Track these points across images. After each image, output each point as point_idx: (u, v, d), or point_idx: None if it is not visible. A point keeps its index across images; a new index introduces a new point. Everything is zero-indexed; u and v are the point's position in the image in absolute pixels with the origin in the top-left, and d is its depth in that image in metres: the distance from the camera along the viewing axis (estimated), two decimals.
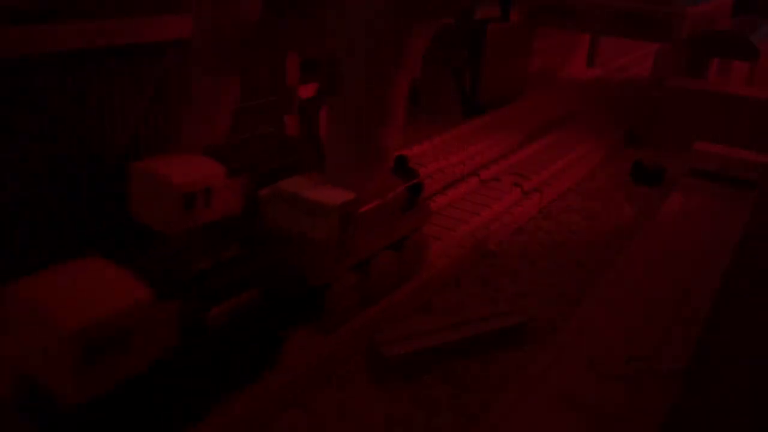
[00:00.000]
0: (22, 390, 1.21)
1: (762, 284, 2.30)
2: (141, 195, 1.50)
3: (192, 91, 1.65)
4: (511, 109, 3.94)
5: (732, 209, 2.66)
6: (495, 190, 2.75)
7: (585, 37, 5.20)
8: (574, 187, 3.12)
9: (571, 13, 3.96)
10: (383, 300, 1.87)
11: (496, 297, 2.11)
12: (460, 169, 2.92)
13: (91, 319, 1.10)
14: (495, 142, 3.28)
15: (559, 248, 2.50)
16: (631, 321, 1.83)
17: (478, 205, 2.59)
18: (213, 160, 1.53)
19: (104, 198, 1.80)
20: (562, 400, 1.51)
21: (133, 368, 1.19)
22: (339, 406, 1.59)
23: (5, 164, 1.61)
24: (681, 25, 3.67)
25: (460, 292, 2.13)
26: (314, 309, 1.64)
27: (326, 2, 1.58)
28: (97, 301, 1.14)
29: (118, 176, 1.60)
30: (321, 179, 1.70)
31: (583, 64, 5.32)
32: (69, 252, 1.30)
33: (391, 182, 1.83)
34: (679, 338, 1.76)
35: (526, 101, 4.17)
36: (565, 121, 3.86)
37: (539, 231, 2.64)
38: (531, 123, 3.69)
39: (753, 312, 2.13)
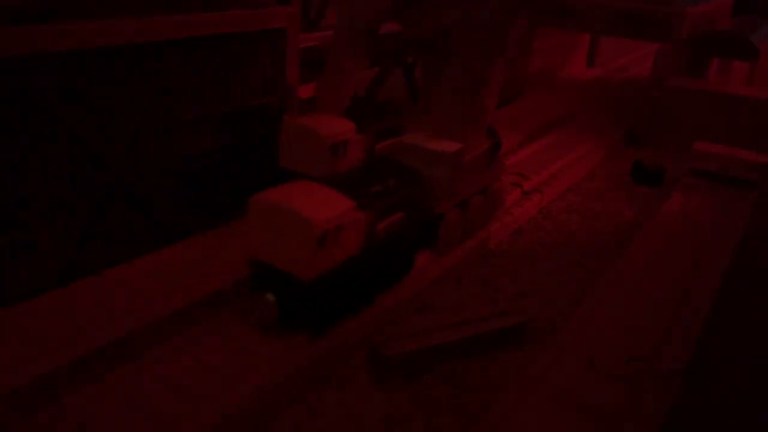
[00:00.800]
0: (261, 273, 1.68)
1: (762, 284, 2.30)
2: (292, 145, 1.88)
3: (330, 66, 2.06)
4: (511, 109, 3.94)
5: (732, 209, 2.66)
6: None
7: (585, 37, 5.20)
8: (574, 187, 3.12)
9: (571, 13, 3.96)
10: (385, 300, 1.89)
11: (496, 297, 2.11)
12: None
13: (324, 216, 1.56)
14: None
15: (559, 248, 2.50)
16: (631, 321, 1.83)
17: None
18: (344, 118, 1.93)
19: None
20: (562, 400, 1.51)
21: (339, 258, 1.64)
22: (339, 405, 1.59)
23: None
24: (681, 25, 3.66)
25: (461, 291, 2.13)
26: (432, 235, 2.10)
27: None
28: (322, 204, 1.60)
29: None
30: (431, 135, 2.15)
31: (583, 64, 5.32)
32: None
33: (483, 139, 2.32)
34: (679, 338, 1.76)
35: (526, 101, 4.18)
36: (565, 121, 3.86)
37: (539, 231, 2.64)
38: (531, 123, 3.70)
39: (753, 312, 2.13)
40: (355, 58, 2.05)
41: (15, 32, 1.55)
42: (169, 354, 1.64)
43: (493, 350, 1.82)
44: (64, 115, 1.70)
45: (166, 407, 1.45)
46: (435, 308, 2.03)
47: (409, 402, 1.62)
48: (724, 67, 4.62)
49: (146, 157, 1.94)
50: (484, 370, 1.76)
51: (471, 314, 1.87)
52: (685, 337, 1.76)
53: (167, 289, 1.79)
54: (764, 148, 3.00)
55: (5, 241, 1.66)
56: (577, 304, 2.03)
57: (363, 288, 1.81)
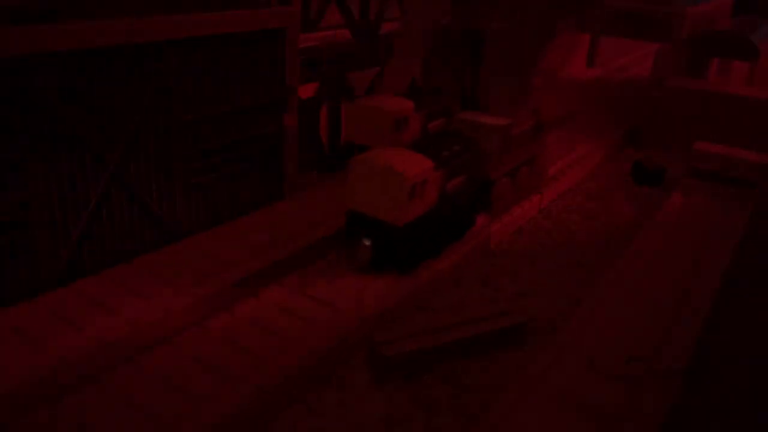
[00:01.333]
0: (358, 222, 2.03)
1: (762, 284, 2.30)
2: (359, 122, 2.31)
3: (397, 55, 2.55)
4: None
5: (732, 209, 2.66)
6: None
7: (585, 37, 5.20)
8: (574, 187, 3.12)
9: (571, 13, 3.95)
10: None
11: (496, 297, 2.11)
12: None
13: (414, 171, 1.92)
14: None
15: (559, 248, 2.50)
16: (631, 321, 1.83)
17: None
18: (404, 99, 2.35)
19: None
20: (562, 400, 1.51)
21: (422, 209, 2.01)
22: (339, 405, 1.59)
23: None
24: (681, 25, 3.67)
25: (461, 291, 2.13)
26: (487, 199, 2.44)
27: None
28: (410, 163, 1.95)
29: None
30: (483, 112, 2.56)
31: (583, 64, 5.31)
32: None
33: (528, 118, 2.67)
34: (679, 338, 1.76)
35: None
36: (565, 121, 3.86)
37: (539, 231, 2.64)
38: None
39: (753, 312, 2.13)
40: (418, 50, 2.58)
41: (15, 32, 1.56)
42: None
43: (493, 350, 1.82)
44: (64, 115, 1.70)
45: (166, 407, 1.45)
46: (435, 308, 2.03)
47: (409, 402, 1.62)
48: (724, 67, 4.61)
49: (146, 157, 1.94)
50: (484, 370, 1.76)
51: (471, 314, 1.86)
52: (685, 337, 1.76)
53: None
54: (764, 148, 3.00)
55: (5, 241, 1.66)
56: (577, 304, 2.03)
57: (437, 237, 2.16)
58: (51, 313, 1.67)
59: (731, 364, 1.85)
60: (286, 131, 2.39)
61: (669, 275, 2.09)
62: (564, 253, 2.46)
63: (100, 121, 1.79)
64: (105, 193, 1.85)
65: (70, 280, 1.81)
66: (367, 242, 2.00)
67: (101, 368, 1.56)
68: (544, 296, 2.14)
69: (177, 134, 2.01)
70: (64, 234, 1.78)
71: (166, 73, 1.93)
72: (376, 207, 1.96)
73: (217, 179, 2.19)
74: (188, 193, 2.10)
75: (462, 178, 2.20)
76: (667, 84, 3.76)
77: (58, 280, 1.79)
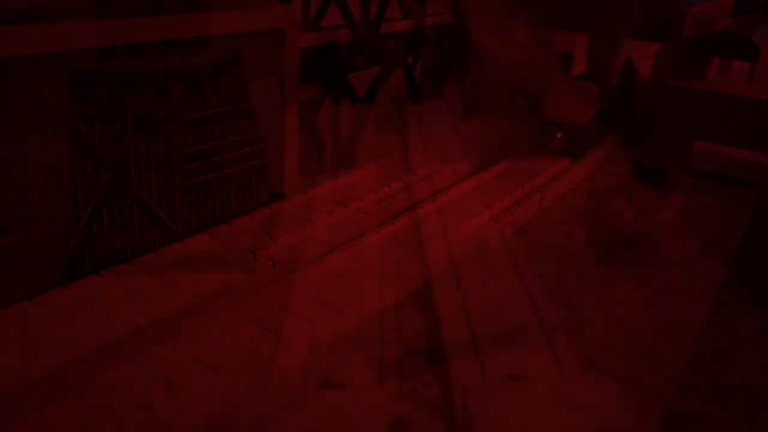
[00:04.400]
0: (533, 104, 3.20)
1: (762, 284, 2.30)
2: (523, 69, 3.29)
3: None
4: None
5: (732, 209, 2.66)
6: (495, 190, 2.75)
7: (585, 37, 5.19)
8: (574, 187, 3.12)
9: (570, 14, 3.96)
10: None
11: (496, 297, 2.11)
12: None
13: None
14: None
15: (559, 248, 2.50)
16: (631, 321, 1.83)
17: (478, 205, 2.59)
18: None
19: None
20: (562, 400, 1.51)
21: (591, 114, 3.22)
22: (339, 405, 1.59)
23: None
24: (681, 25, 3.67)
25: (460, 292, 2.13)
26: (613, 119, 3.55)
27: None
28: (581, 82, 3.25)
29: None
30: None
31: (584, 63, 5.31)
32: None
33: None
34: (679, 338, 1.76)
35: None
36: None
37: (539, 231, 2.64)
38: None
39: (753, 312, 2.13)
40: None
41: (14, 32, 1.56)
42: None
43: (493, 350, 1.82)
44: (64, 115, 1.70)
45: (166, 407, 1.45)
46: (435, 308, 2.02)
47: (409, 402, 1.62)
48: (724, 67, 4.61)
49: (146, 157, 1.95)
50: (484, 370, 1.76)
51: (470, 313, 1.86)
52: (685, 337, 1.77)
53: None
54: (764, 148, 3.00)
55: (5, 241, 1.66)
56: (577, 304, 2.03)
57: (595, 135, 3.37)
58: (51, 313, 1.67)
59: (731, 363, 1.85)
60: (286, 131, 2.39)
61: (669, 275, 2.10)
62: (564, 253, 2.46)
63: (101, 121, 1.79)
64: (105, 193, 1.85)
65: (70, 280, 1.81)
66: (559, 135, 3.17)
67: (101, 368, 1.56)
68: (545, 296, 2.14)
69: (177, 134, 2.01)
70: (64, 234, 1.78)
71: (166, 73, 1.93)
72: (566, 112, 3.14)
73: (218, 179, 2.19)
74: (188, 193, 2.10)
75: (606, 100, 3.35)
76: (667, 84, 3.76)
77: (58, 280, 1.79)
